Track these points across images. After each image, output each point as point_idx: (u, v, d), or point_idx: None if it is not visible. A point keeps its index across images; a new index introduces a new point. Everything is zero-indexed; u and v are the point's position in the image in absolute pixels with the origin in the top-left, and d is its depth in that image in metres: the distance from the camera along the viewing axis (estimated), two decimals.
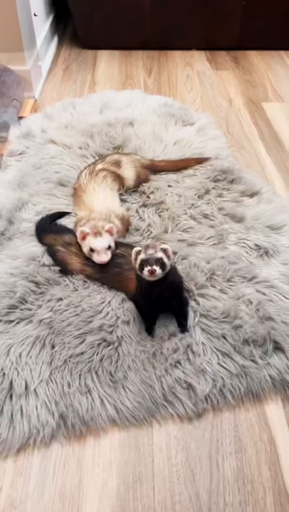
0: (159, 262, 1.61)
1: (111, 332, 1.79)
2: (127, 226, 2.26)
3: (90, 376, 1.66)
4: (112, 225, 2.01)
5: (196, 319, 1.85)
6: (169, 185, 2.56)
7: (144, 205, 2.41)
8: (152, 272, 1.59)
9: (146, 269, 1.59)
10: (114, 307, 1.88)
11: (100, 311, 1.84)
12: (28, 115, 3.15)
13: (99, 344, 1.67)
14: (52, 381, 1.60)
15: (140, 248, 1.68)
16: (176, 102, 3.34)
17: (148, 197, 2.45)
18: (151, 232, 2.25)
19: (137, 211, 2.39)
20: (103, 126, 2.94)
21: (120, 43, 4.29)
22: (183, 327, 1.83)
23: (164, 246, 1.68)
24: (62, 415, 1.52)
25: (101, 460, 1.46)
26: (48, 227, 2.22)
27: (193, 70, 4.02)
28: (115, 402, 1.55)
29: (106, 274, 1.98)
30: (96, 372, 1.67)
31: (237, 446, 1.55)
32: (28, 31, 3.35)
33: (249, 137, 3.08)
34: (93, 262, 1.99)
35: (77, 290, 1.95)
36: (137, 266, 1.66)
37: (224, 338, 1.77)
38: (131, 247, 2.01)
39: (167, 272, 1.66)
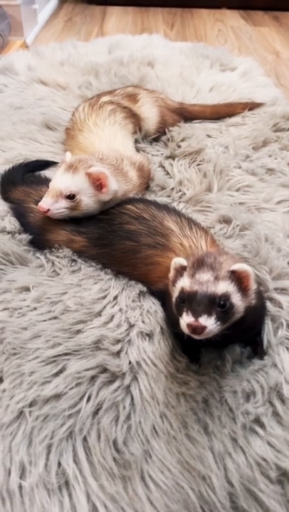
0: (219, 306, 0.76)
1: (118, 353, 0.91)
2: (146, 180, 1.42)
3: (72, 450, 0.78)
4: (102, 171, 1.14)
5: (280, 333, 0.97)
6: (209, 135, 1.72)
7: (172, 157, 1.56)
8: (198, 331, 0.74)
9: (188, 319, 0.75)
10: (123, 306, 1.02)
11: (99, 314, 0.99)
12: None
13: (93, 378, 0.85)
14: None
15: (184, 261, 0.84)
16: (210, 47, 2.52)
17: (178, 145, 1.59)
18: (184, 193, 1.40)
19: (161, 165, 1.56)
20: (112, 65, 2.16)
21: None
22: (257, 346, 0.94)
23: (237, 267, 0.81)
24: None
25: None
26: (20, 178, 1.37)
27: (225, 26, 3.28)
28: None
29: (110, 249, 1.11)
30: (85, 441, 0.78)
31: None
32: None
33: None
34: (89, 226, 1.13)
35: (58, 274, 1.10)
36: (173, 300, 0.83)
37: None
38: (156, 205, 1.17)
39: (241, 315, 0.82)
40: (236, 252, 1.16)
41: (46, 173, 1.49)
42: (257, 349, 0.95)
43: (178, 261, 0.85)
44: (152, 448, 0.78)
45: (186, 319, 0.75)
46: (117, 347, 0.93)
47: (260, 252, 1.13)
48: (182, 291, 0.79)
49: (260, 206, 1.34)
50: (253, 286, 0.83)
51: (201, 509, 0.73)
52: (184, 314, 0.76)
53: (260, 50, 2.85)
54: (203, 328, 0.74)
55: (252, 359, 0.93)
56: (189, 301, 0.76)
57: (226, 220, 1.27)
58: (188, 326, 0.74)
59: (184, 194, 1.43)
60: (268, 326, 0.99)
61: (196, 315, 0.74)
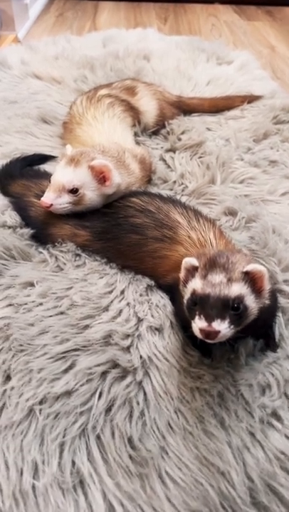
0: (232, 309, 0.74)
1: (128, 348, 0.89)
2: (148, 173, 1.40)
3: (86, 448, 0.75)
4: (105, 164, 1.11)
5: None
6: (209, 128, 1.70)
7: (173, 150, 1.54)
8: (211, 336, 0.72)
9: (201, 324, 0.72)
10: (131, 300, 1.00)
11: (106, 308, 0.96)
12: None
13: (104, 374, 0.83)
14: None
15: (196, 261, 0.80)
16: (205, 41, 2.51)
17: (178, 138, 1.57)
18: (186, 186, 1.38)
19: (162, 158, 1.54)
20: (108, 59, 2.12)
21: None
22: (269, 339, 0.93)
23: (251, 267, 0.78)
24: None
25: None
26: (19, 172, 1.34)
27: (219, 20, 3.26)
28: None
29: (115, 243, 1.09)
30: (99, 439, 0.76)
31: None
32: None
33: None
34: (93, 220, 1.10)
35: (62, 269, 1.06)
36: (184, 301, 0.80)
37: None
38: (161, 198, 1.14)
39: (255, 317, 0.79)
40: (243, 245, 1.14)
41: (45, 167, 1.46)
42: (269, 342, 0.93)
43: (189, 261, 0.81)
44: (169, 444, 0.76)
45: (198, 324, 0.72)
46: (127, 342, 0.90)
47: (268, 244, 1.11)
48: (194, 293, 0.76)
49: (265, 198, 1.32)
50: (267, 286, 0.80)
51: (220, 505, 0.71)
52: (197, 318, 0.73)
53: (255, 44, 2.84)
54: (217, 333, 0.71)
55: (265, 352, 0.91)
56: (202, 304, 0.74)
57: (232, 212, 1.25)
58: (202, 331, 0.72)
59: (187, 187, 1.40)
60: (280, 318, 0.98)
61: (209, 319, 0.71)
